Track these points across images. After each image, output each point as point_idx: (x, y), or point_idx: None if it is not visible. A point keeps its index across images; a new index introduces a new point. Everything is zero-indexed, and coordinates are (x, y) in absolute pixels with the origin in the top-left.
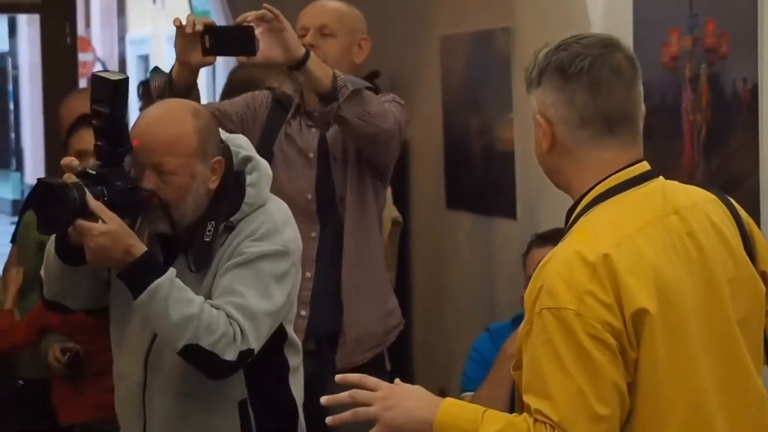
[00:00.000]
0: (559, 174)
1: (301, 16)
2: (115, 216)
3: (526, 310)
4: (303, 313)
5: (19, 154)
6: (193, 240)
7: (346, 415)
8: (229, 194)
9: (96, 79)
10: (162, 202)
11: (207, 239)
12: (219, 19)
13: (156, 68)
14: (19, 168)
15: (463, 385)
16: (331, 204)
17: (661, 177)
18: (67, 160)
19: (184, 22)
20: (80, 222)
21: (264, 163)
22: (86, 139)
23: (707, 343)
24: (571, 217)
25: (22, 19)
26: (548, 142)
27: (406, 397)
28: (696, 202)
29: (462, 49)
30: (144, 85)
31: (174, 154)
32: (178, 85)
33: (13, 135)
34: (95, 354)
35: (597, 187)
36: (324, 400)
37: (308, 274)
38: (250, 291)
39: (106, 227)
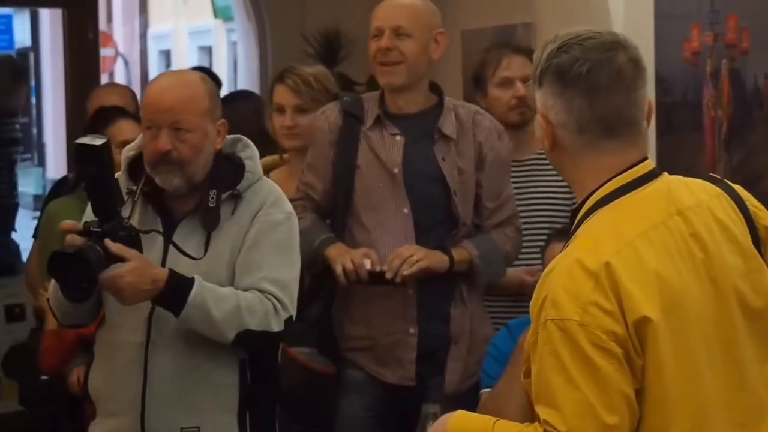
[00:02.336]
0: (563, 172)
1: (374, 15)
2: (135, 251)
3: (532, 319)
4: (412, 331)
5: (41, 148)
6: (198, 206)
7: None
8: (225, 165)
9: (81, 147)
10: (179, 158)
11: (212, 205)
12: (241, 15)
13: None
14: (41, 163)
15: (482, 381)
16: (432, 218)
17: (665, 174)
18: (67, 225)
19: None
20: (106, 275)
21: (251, 143)
22: (127, 129)
23: (712, 346)
24: (575, 221)
25: (45, 13)
26: (549, 142)
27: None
28: (700, 201)
29: (483, 43)
30: None
31: (191, 112)
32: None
33: (35, 130)
34: None
35: (599, 190)
36: None
37: (410, 292)
38: (276, 263)
39: (131, 265)
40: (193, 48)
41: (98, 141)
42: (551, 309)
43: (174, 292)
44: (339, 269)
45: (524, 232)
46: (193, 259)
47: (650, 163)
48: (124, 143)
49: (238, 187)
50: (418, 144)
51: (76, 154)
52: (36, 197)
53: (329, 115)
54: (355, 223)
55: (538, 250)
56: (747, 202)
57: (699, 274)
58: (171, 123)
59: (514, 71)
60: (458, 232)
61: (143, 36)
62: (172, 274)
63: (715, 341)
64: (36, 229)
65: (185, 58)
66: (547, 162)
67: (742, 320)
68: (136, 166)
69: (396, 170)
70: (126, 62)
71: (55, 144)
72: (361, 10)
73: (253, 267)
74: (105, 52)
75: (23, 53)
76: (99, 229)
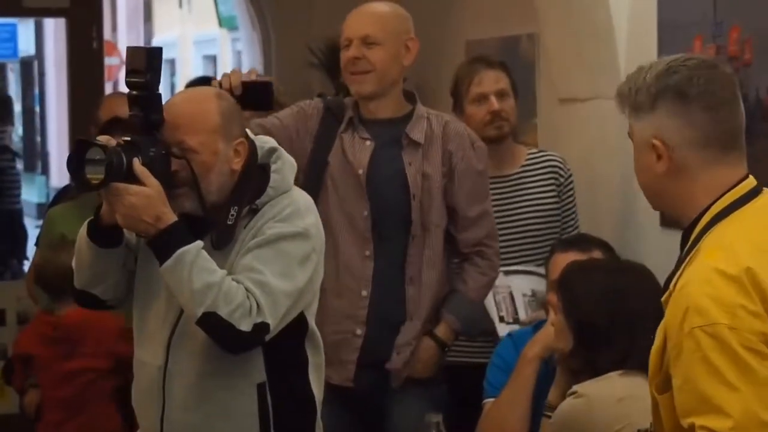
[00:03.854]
0: (666, 196)
1: (344, 25)
2: (158, 183)
3: (671, 335)
4: (359, 332)
5: (44, 157)
6: (216, 222)
7: None
8: (252, 182)
9: (131, 51)
10: (191, 176)
11: (230, 222)
12: (246, 24)
13: (202, 78)
14: (45, 171)
15: (485, 391)
16: (392, 223)
17: (764, 188)
18: (103, 138)
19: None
20: (116, 183)
21: (287, 154)
22: None
23: None
24: (691, 238)
25: (49, 22)
26: (665, 166)
27: None
28: None
29: (487, 54)
30: None
31: (195, 131)
32: None
33: (39, 138)
34: None
35: (714, 206)
36: None
37: (364, 293)
38: (269, 269)
39: (142, 189)
40: (198, 57)
41: (148, 46)
42: (696, 317)
43: (169, 239)
44: (215, 81)
45: (514, 248)
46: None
47: (753, 180)
48: None
49: (257, 202)
50: (387, 149)
51: (126, 57)
52: (39, 206)
53: (312, 104)
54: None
55: (529, 264)
56: None
57: None
58: (176, 143)
59: (488, 86)
60: (415, 237)
61: (148, 44)
62: (178, 224)
63: None
64: (38, 238)
65: (190, 67)
66: (533, 175)
67: None
68: None
69: (360, 171)
70: None
71: (59, 153)
72: None
73: (243, 268)
74: (109, 60)
75: (28, 62)
76: (129, 139)
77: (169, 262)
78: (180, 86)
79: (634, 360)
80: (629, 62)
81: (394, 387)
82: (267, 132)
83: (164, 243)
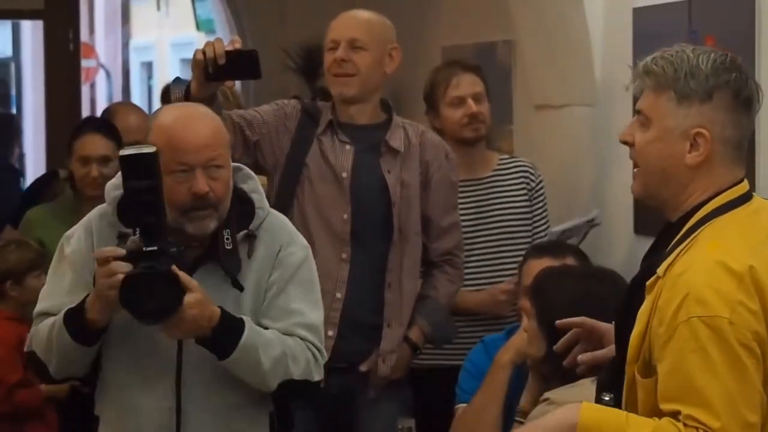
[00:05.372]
0: (680, 187)
1: (330, 28)
2: (195, 282)
3: (663, 320)
4: (330, 333)
5: (20, 158)
6: (215, 251)
7: None
8: (235, 203)
9: (130, 158)
10: (217, 196)
11: (229, 247)
12: (223, 28)
13: (177, 78)
14: (21, 173)
15: (457, 396)
16: (371, 228)
17: (756, 196)
18: (108, 251)
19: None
20: (178, 306)
21: (252, 173)
22: (91, 144)
23: None
24: (684, 228)
25: (27, 24)
26: (700, 158)
27: (542, 419)
28: None
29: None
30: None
31: (223, 146)
32: (195, 98)
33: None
34: None
35: (714, 201)
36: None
37: (338, 295)
38: (306, 306)
39: (195, 296)
40: (175, 60)
41: (147, 149)
42: (696, 306)
43: (225, 333)
44: (198, 50)
45: (486, 249)
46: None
47: (747, 183)
48: (88, 159)
49: (251, 227)
50: (366, 155)
51: (123, 166)
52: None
53: (290, 105)
54: (298, 221)
55: (501, 266)
56: None
57: None
58: (206, 161)
59: (465, 89)
60: (395, 244)
61: (125, 47)
62: (224, 312)
63: None
64: None
65: (167, 70)
66: (506, 178)
67: None
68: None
69: (344, 175)
70: (108, 73)
71: (35, 154)
72: None
73: (283, 313)
74: (87, 63)
75: (4, 63)
76: (154, 248)
77: (234, 355)
78: (157, 88)
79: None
80: (604, 71)
81: (372, 396)
82: (248, 123)
83: (224, 339)
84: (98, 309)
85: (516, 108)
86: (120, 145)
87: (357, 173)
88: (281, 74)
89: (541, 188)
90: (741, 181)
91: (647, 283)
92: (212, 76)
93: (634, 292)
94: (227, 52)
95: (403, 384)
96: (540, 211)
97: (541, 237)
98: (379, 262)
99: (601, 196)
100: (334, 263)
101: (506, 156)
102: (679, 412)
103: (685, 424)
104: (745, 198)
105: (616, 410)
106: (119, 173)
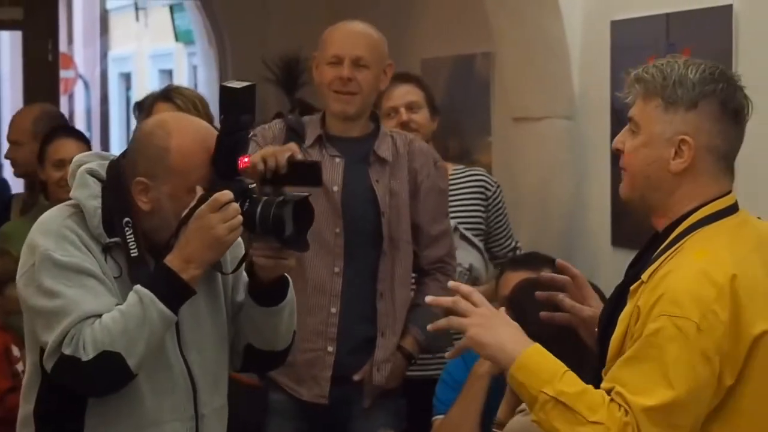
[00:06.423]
0: (666, 194)
1: (330, 41)
2: None
3: (642, 319)
4: (330, 349)
5: None
6: None
7: (442, 322)
8: None
9: (242, 90)
10: None
11: None
12: (202, 39)
13: None
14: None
15: (434, 407)
16: (362, 239)
17: (743, 209)
18: (223, 195)
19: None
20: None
21: None
22: (64, 148)
23: None
24: (671, 236)
25: (5, 34)
26: (684, 165)
27: (502, 325)
28: None
29: (442, 72)
30: (139, 106)
31: None
32: None
33: None
34: None
35: (701, 210)
36: (429, 299)
37: (333, 310)
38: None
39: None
40: (154, 71)
41: (242, 83)
42: (669, 305)
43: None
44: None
45: None
46: (224, 273)
47: (734, 195)
48: (62, 162)
49: None
50: (355, 165)
51: (230, 99)
52: None
53: (273, 127)
54: None
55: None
56: None
57: None
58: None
59: (397, 100)
60: (385, 253)
61: (104, 58)
62: None
63: None
64: None
65: (146, 81)
66: (459, 189)
67: None
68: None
69: (335, 188)
70: (86, 84)
71: None
72: (322, 36)
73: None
74: (65, 73)
75: None
76: (254, 183)
77: (280, 306)
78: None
79: (583, 378)
80: (583, 83)
81: (366, 405)
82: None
83: (278, 289)
84: (209, 259)
85: (494, 120)
86: (90, 149)
87: (347, 185)
88: (260, 86)
89: (500, 197)
90: (728, 192)
91: (631, 288)
92: (269, 181)
93: (618, 299)
94: (289, 162)
95: (398, 394)
96: (500, 219)
97: (501, 245)
98: (371, 272)
99: (579, 208)
100: (326, 277)
101: (461, 167)
102: (611, 389)
103: (612, 399)
104: (732, 209)
105: (560, 363)
106: (88, 181)
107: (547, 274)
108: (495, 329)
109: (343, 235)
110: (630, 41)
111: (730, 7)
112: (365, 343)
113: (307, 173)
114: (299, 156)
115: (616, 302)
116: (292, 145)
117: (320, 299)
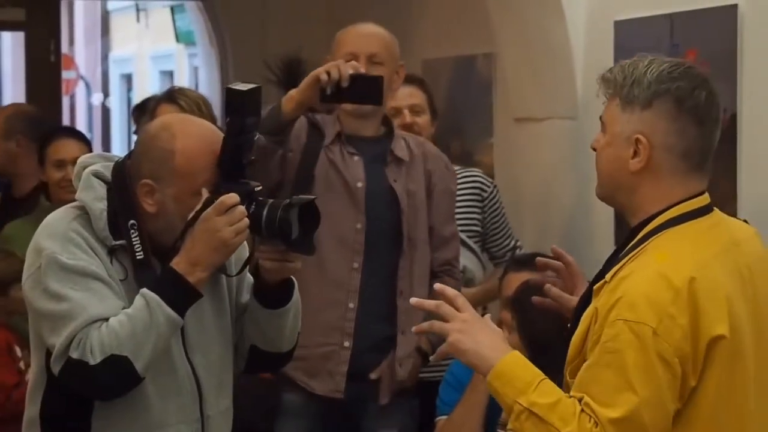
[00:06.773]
0: (629, 193)
1: (344, 41)
2: None
3: (600, 320)
4: (347, 344)
5: None
6: None
7: (424, 325)
8: None
9: (248, 93)
10: None
11: None
12: (203, 40)
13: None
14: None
15: (437, 408)
16: (382, 237)
17: (715, 209)
18: (230, 198)
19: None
20: None
21: None
22: (64, 148)
23: (756, 378)
24: (638, 236)
25: (7, 35)
26: (641, 164)
27: (482, 331)
28: (750, 236)
29: (444, 73)
30: (138, 109)
31: None
32: (290, 117)
33: None
34: None
35: (669, 211)
36: (413, 301)
37: (351, 305)
38: None
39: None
40: (155, 72)
41: (248, 86)
42: (625, 310)
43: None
44: (320, 70)
45: None
46: (228, 275)
47: (708, 197)
48: (63, 162)
49: None
50: (373, 165)
51: (237, 101)
52: None
53: (301, 121)
54: None
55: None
56: None
57: (749, 306)
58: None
59: (401, 101)
60: (405, 252)
61: (105, 59)
62: None
63: (757, 373)
64: None
65: (147, 82)
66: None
67: None
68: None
69: (359, 185)
70: (87, 85)
71: None
72: (323, 36)
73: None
74: (66, 74)
75: None
76: (260, 186)
77: (285, 308)
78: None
79: None
80: (585, 83)
81: (384, 402)
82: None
83: (284, 289)
84: (215, 262)
85: (496, 121)
86: (91, 150)
87: (368, 183)
88: (262, 86)
89: (497, 198)
90: (701, 194)
91: (594, 287)
92: (329, 97)
93: (588, 296)
94: (351, 76)
95: (413, 394)
96: (498, 220)
97: (500, 245)
98: (389, 271)
99: (581, 208)
100: (344, 272)
101: (457, 168)
102: (582, 398)
103: (582, 410)
104: (704, 211)
105: (537, 371)
106: (93, 183)
107: (542, 258)
108: (475, 335)
109: (364, 232)
110: (633, 42)
111: (735, 6)
112: (382, 342)
113: (368, 90)
114: (361, 70)
115: (586, 300)
116: (354, 63)
117: (338, 294)
